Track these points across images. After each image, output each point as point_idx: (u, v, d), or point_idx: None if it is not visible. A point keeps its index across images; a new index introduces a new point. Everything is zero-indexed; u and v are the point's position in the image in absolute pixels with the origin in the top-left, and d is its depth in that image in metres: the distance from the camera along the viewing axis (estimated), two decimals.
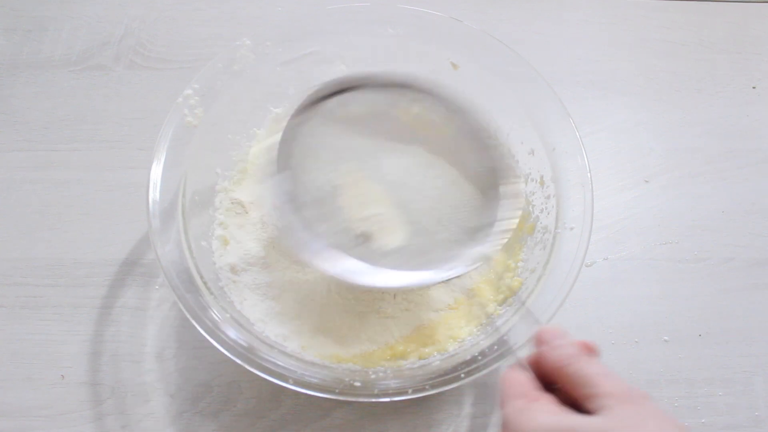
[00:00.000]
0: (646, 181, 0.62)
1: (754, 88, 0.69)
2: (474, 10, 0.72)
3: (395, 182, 0.48)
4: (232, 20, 0.70)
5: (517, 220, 0.45)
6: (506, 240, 0.45)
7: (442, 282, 0.44)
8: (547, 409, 0.33)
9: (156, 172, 0.48)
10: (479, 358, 0.43)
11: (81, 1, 0.70)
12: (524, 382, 0.35)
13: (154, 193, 0.47)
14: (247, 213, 0.55)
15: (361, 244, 0.45)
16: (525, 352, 0.38)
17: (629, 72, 0.69)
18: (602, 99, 0.67)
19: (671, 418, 0.31)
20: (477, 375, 0.42)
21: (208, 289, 0.46)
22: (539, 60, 0.55)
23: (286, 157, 0.45)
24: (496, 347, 0.44)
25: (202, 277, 0.46)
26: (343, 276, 0.43)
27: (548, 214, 0.51)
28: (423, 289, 0.52)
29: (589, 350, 0.36)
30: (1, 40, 0.68)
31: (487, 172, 0.47)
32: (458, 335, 0.50)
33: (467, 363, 0.43)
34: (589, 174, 0.49)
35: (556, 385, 0.35)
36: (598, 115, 0.66)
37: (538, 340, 0.37)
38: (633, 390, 0.32)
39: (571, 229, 0.48)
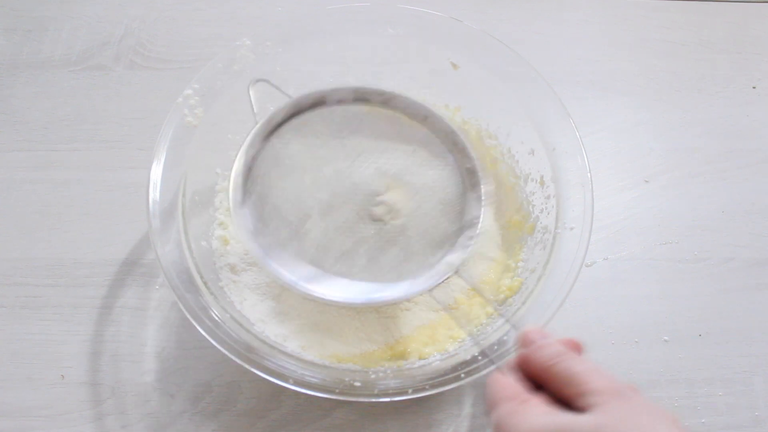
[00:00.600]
0: (646, 181, 0.62)
1: (754, 88, 0.69)
2: (474, 10, 0.72)
3: (363, 194, 0.48)
4: (232, 20, 0.70)
5: (482, 224, 0.46)
6: (473, 247, 0.45)
7: (417, 295, 0.45)
8: (539, 410, 0.33)
9: (156, 172, 0.48)
10: (479, 358, 0.43)
11: (81, 1, 0.70)
12: (512, 384, 0.35)
13: (154, 193, 0.47)
14: None
15: (337, 261, 0.46)
16: (510, 356, 0.39)
17: (629, 72, 0.69)
18: (602, 99, 0.67)
19: (662, 410, 0.31)
20: (477, 375, 0.42)
21: (208, 289, 0.46)
22: (539, 60, 0.55)
23: (245, 188, 0.46)
24: (496, 347, 0.44)
25: (202, 277, 0.46)
26: (322, 298, 0.44)
27: (548, 214, 0.51)
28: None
29: (575, 347, 0.36)
30: (1, 40, 0.68)
31: (456, 176, 0.48)
32: (458, 335, 0.50)
33: (467, 363, 0.43)
34: (589, 174, 0.49)
35: (545, 386, 0.35)
36: (598, 115, 0.66)
37: (523, 342, 0.37)
38: (622, 385, 0.32)
39: (571, 229, 0.48)
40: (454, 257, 0.45)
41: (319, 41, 0.55)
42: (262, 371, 0.42)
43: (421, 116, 0.49)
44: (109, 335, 0.53)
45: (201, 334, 0.43)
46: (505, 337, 0.44)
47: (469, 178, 0.48)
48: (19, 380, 0.51)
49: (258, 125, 0.47)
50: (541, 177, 0.52)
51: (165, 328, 0.53)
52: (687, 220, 0.60)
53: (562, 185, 0.50)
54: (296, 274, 0.44)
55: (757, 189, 0.62)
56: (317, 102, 0.48)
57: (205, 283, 0.46)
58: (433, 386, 0.42)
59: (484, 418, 0.51)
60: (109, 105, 0.64)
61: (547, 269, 0.47)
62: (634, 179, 0.62)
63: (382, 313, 0.51)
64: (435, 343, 0.50)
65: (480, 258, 0.54)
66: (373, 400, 0.42)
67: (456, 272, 0.44)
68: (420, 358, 0.49)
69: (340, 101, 0.49)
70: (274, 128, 0.48)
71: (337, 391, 0.42)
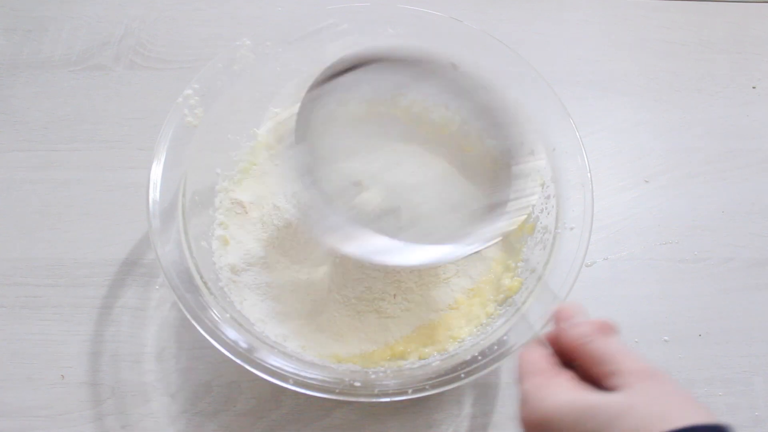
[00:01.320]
0: (646, 181, 0.62)
1: (754, 88, 0.69)
2: (474, 10, 0.72)
3: (410, 169, 0.48)
4: (232, 20, 0.70)
5: (536, 197, 0.45)
6: (524, 216, 0.44)
7: (461, 259, 0.43)
8: (567, 386, 0.33)
9: (156, 172, 0.48)
10: (479, 358, 0.43)
11: (81, 1, 0.70)
12: (543, 358, 0.35)
13: (154, 193, 0.47)
14: (247, 213, 0.55)
15: (380, 217, 0.45)
16: (542, 332, 0.38)
17: (629, 72, 0.69)
18: (602, 99, 0.67)
19: (692, 397, 0.31)
20: (477, 375, 0.42)
21: (208, 289, 0.46)
22: (539, 60, 0.55)
23: (303, 128, 0.44)
24: (496, 347, 0.44)
25: (202, 277, 0.46)
26: (363, 256, 0.42)
27: (548, 214, 0.51)
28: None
29: (609, 329, 0.35)
30: (1, 40, 0.68)
31: (501, 151, 0.47)
32: (458, 335, 0.50)
33: (467, 363, 0.43)
34: (589, 174, 0.49)
35: (575, 363, 0.35)
36: (598, 115, 0.66)
37: (557, 317, 0.36)
38: (653, 368, 0.32)
39: (571, 229, 0.48)
40: (503, 224, 0.44)
41: (319, 41, 0.55)
42: (262, 371, 0.42)
43: (473, 86, 0.48)
44: (109, 335, 0.53)
45: (201, 334, 0.43)
46: (505, 337, 0.44)
47: (522, 151, 0.46)
48: (19, 380, 0.51)
49: (322, 69, 0.45)
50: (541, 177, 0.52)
51: (165, 328, 0.53)
52: (687, 220, 0.60)
53: (562, 185, 0.50)
54: (343, 221, 0.42)
55: (757, 189, 0.62)
56: (373, 59, 0.47)
57: (204, 283, 0.46)
58: (433, 386, 0.42)
59: (484, 418, 0.51)
60: (109, 105, 0.64)
61: (547, 269, 0.47)
62: (634, 179, 0.62)
63: (382, 313, 0.51)
64: (435, 343, 0.50)
65: (480, 258, 0.54)
66: (373, 400, 0.42)
67: (504, 237, 0.44)
68: (420, 358, 0.49)
69: (399, 60, 0.47)
70: (336, 75, 0.46)
71: (337, 391, 0.42)
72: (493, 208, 0.45)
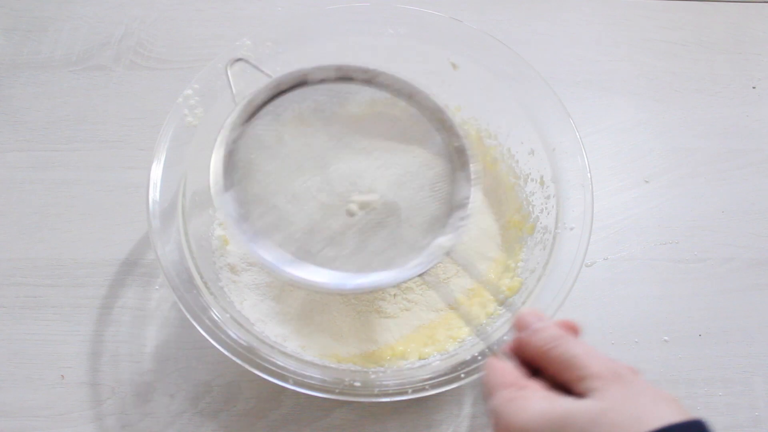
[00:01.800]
0: (646, 181, 0.62)
1: (754, 88, 0.69)
2: (474, 10, 0.72)
3: (347, 182, 0.47)
4: (232, 20, 0.70)
5: (473, 205, 0.43)
6: (464, 227, 0.43)
7: (407, 280, 0.42)
8: (538, 395, 0.32)
9: (156, 172, 0.48)
10: (479, 358, 0.43)
11: (81, 1, 0.70)
12: (509, 370, 0.34)
13: (154, 193, 0.47)
14: None
15: (321, 250, 0.44)
16: (502, 345, 0.37)
17: (629, 72, 0.69)
18: (602, 99, 0.67)
19: (662, 392, 0.31)
20: (477, 375, 0.42)
21: (208, 289, 0.46)
22: (539, 60, 0.55)
23: (230, 172, 0.43)
24: (496, 347, 0.43)
25: (202, 277, 0.46)
26: (311, 283, 0.42)
27: (548, 214, 0.51)
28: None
29: (572, 329, 0.35)
30: (1, 40, 0.68)
31: (444, 156, 0.46)
32: (458, 335, 0.50)
33: (467, 363, 0.43)
34: (589, 174, 0.49)
35: (543, 371, 0.34)
36: (598, 115, 0.66)
37: (518, 325, 0.35)
38: (621, 367, 0.32)
39: (571, 229, 0.48)
40: (445, 239, 0.43)
41: (319, 41, 0.55)
42: (262, 371, 0.42)
43: (407, 94, 0.47)
44: (109, 335, 0.53)
45: (201, 334, 0.43)
46: (505, 337, 0.44)
47: (458, 158, 0.45)
48: (19, 380, 0.51)
49: (238, 108, 0.44)
50: (541, 177, 0.52)
51: (165, 328, 0.53)
52: (687, 220, 0.60)
53: (562, 185, 0.50)
54: (282, 261, 0.42)
55: (757, 189, 0.62)
56: (299, 81, 0.46)
57: (205, 283, 0.46)
58: (433, 386, 0.42)
59: (484, 417, 0.51)
60: (109, 105, 0.64)
61: (547, 269, 0.47)
62: (634, 179, 0.62)
63: (382, 313, 0.51)
64: (435, 343, 0.50)
65: (480, 258, 0.54)
66: (373, 400, 0.42)
67: (448, 255, 0.43)
68: (420, 358, 0.49)
69: (322, 80, 0.46)
70: (254, 111, 0.45)
71: (337, 391, 0.42)
72: (438, 219, 0.44)
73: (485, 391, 0.34)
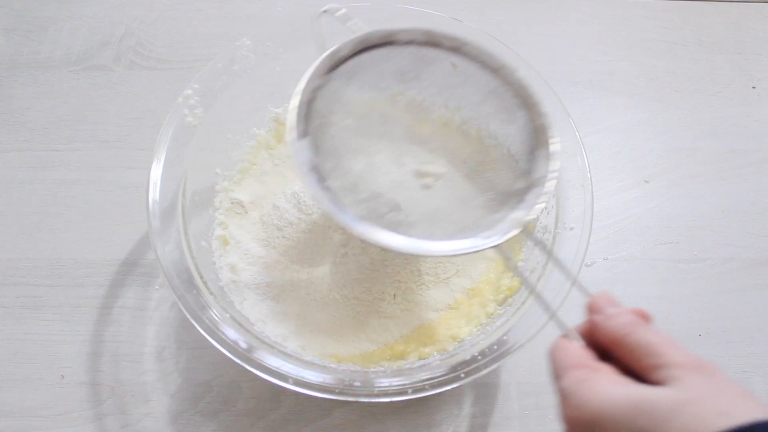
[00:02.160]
0: (646, 181, 0.62)
1: (754, 88, 0.69)
2: (474, 10, 0.72)
3: (420, 149, 0.46)
4: (232, 20, 0.70)
5: (554, 182, 0.42)
6: (544, 203, 0.42)
7: (477, 251, 0.40)
8: (613, 379, 0.30)
9: (156, 172, 0.48)
10: (479, 358, 0.43)
11: (81, 1, 0.70)
12: (580, 351, 0.33)
13: (154, 193, 0.47)
14: (247, 213, 0.55)
15: (389, 213, 0.42)
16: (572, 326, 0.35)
17: (629, 72, 0.69)
18: (602, 99, 0.67)
19: (746, 390, 0.29)
20: (477, 375, 0.42)
21: (208, 289, 0.46)
22: (539, 60, 0.54)
23: (304, 123, 0.41)
24: (496, 347, 0.44)
25: (202, 277, 0.46)
26: (378, 242, 0.39)
27: (548, 214, 0.51)
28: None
29: (644, 318, 0.33)
30: (1, 40, 0.68)
31: (525, 132, 0.45)
32: (458, 335, 0.50)
33: (467, 363, 0.43)
34: (589, 174, 0.49)
35: (613, 356, 0.33)
36: (598, 115, 0.66)
37: (591, 309, 0.34)
38: (701, 359, 0.30)
39: (571, 229, 0.48)
40: (521, 213, 0.41)
41: (319, 41, 0.55)
42: (262, 371, 0.42)
43: (493, 67, 0.45)
44: (109, 335, 0.53)
45: (201, 334, 0.43)
46: (505, 337, 0.44)
47: (538, 135, 0.44)
48: (19, 380, 0.51)
49: (322, 57, 0.43)
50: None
51: (165, 328, 0.53)
52: (687, 220, 0.60)
53: (562, 185, 0.50)
54: (351, 217, 0.40)
55: (757, 189, 0.62)
56: (386, 40, 0.44)
57: (204, 283, 0.46)
58: (433, 386, 0.42)
59: (484, 417, 0.51)
60: (109, 105, 0.64)
61: (547, 269, 0.47)
62: (634, 179, 0.62)
63: (381, 313, 0.51)
64: (435, 343, 0.50)
65: (480, 258, 0.54)
66: (373, 400, 0.42)
67: (523, 230, 0.41)
68: (420, 358, 0.49)
69: (409, 42, 0.45)
70: (337, 63, 0.43)
71: (337, 391, 0.42)
72: (507, 198, 0.43)
73: (554, 371, 0.33)
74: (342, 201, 0.40)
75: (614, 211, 0.61)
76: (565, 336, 0.34)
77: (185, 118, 0.50)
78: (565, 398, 0.31)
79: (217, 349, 0.42)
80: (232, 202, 0.55)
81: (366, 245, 0.51)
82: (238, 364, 0.42)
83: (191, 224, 0.48)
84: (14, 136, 0.62)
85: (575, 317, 0.55)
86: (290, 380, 0.42)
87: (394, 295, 0.51)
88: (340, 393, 0.42)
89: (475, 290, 0.52)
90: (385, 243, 0.39)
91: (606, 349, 0.33)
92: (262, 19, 0.70)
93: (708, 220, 0.60)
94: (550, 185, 0.42)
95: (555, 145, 0.43)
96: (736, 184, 0.62)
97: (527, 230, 0.41)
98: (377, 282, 0.51)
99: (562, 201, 0.49)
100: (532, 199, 0.42)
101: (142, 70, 0.66)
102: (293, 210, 0.54)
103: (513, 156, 0.45)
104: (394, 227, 0.40)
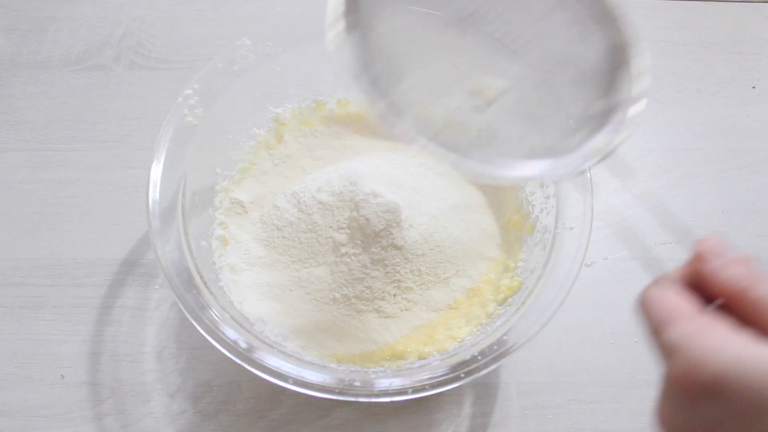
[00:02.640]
0: (646, 182, 0.62)
1: (754, 88, 0.69)
2: None
3: (481, 62, 0.40)
4: (232, 20, 0.70)
5: (644, 104, 0.37)
6: (633, 129, 0.36)
7: (553, 179, 0.37)
8: (741, 336, 0.26)
9: (156, 172, 0.48)
10: (479, 358, 0.43)
11: (81, 1, 0.70)
12: (685, 300, 0.28)
13: (154, 193, 0.47)
14: (247, 213, 0.55)
15: (445, 128, 0.37)
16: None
17: None
18: None
19: None
20: (477, 375, 0.42)
21: (208, 289, 0.46)
22: None
23: (353, 12, 0.35)
24: (496, 347, 0.44)
25: (202, 277, 0.46)
26: (453, 163, 0.35)
27: (548, 214, 0.51)
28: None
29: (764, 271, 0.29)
30: (1, 40, 0.68)
31: (602, 49, 0.39)
32: (458, 335, 0.50)
33: (467, 363, 0.43)
34: (589, 174, 0.49)
35: (728, 310, 0.28)
36: None
37: (700, 255, 0.29)
38: None
39: (571, 229, 0.48)
40: (600, 140, 0.36)
41: (319, 41, 0.55)
42: (262, 371, 0.42)
43: None
44: (109, 335, 0.53)
45: (201, 334, 0.43)
46: (505, 337, 0.44)
47: (619, 53, 0.39)
48: (19, 380, 0.51)
49: None
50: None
51: (165, 328, 0.53)
52: (687, 220, 0.60)
53: (562, 185, 0.50)
54: (401, 128, 0.34)
55: (757, 189, 0.62)
56: None
57: (204, 283, 0.46)
58: (433, 386, 0.42)
59: (483, 417, 0.51)
60: (109, 105, 0.64)
61: (547, 269, 0.47)
62: (634, 179, 0.62)
63: (381, 312, 0.51)
64: (435, 343, 0.50)
65: (480, 258, 0.54)
66: (373, 400, 0.42)
67: (604, 157, 0.36)
68: (420, 358, 0.49)
69: None
70: None
71: (337, 391, 0.42)
72: (588, 120, 0.37)
73: (653, 324, 0.28)
74: (402, 111, 0.34)
75: (614, 211, 0.60)
76: (662, 282, 0.30)
77: (185, 118, 0.50)
78: (673, 355, 0.26)
79: (217, 349, 0.42)
80: (232, 202, 0.55)
81: (366, 244, 0.51)
82: (238, 364, 0.42)
83: (191, 224, 0.48)
84: (14, 136, 0.62)
85: (575, 317, 0.55)
86: (290, 380, 0.42)
87: (394, 294, 0.51)
88: (340, 393, 0.42)
89: (475, 290, 0.52)
90: (460, 163, 0.34)
91: (712, 300, 0.29)
92: (262, 19, 0.70)
93: (708, 220, 0.60)
94: (634, 111, 0.36)
95: (644, 62, 0.37)
96: (736, 184, 0.62)
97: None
98: (377, 281, 0.51)
99: (562, 201, 0.49)
100: (613, 126, 0.37)
101: (142, 70, 0.66)
102: (293, 210, 0.54)
103: (589, 75, 0.39)
104: (451, 145, 0.35)
